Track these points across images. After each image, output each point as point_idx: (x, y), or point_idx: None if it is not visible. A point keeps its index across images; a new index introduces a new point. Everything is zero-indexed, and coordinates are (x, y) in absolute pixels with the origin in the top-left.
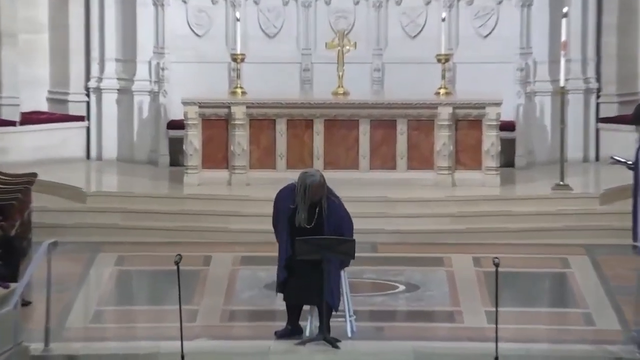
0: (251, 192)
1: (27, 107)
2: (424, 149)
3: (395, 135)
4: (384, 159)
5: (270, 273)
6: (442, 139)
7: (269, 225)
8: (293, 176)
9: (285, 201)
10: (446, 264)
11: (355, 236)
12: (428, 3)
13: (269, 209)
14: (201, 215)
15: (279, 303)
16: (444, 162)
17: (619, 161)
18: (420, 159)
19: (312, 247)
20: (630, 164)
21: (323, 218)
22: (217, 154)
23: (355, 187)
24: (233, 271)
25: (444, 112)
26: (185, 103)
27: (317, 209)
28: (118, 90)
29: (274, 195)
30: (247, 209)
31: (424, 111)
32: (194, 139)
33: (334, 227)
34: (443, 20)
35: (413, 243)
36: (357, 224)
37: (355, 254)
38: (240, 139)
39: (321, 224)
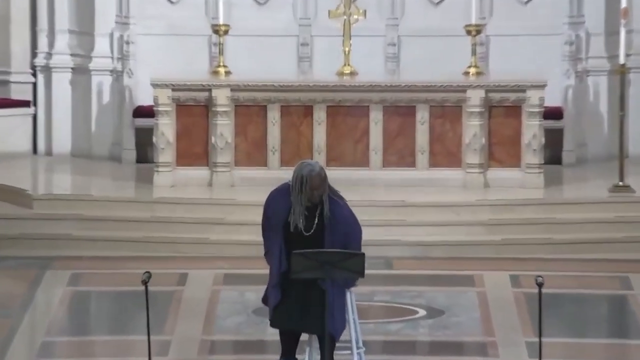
0: (237, 195)
1: None
2: (449, 141)
3: (415, 125)
4: (400, 154)
5: (260, 295)
6: (472, 130)
7: (258, 236)
8: (288, 175)
9: (278, 204)
10: (477, 284)
11: (364, 249)
12: None
13: (259, 216)
14: (175, 224)
15: (271, 332)
16: (475, 157)
17: None
18: (445, 154)
19: (312, 263)
20: None
21: (324, 223)
22: (194, 148)
23: (365, 189)
24: (214, 292)
25: (475, 97)
26: (155, 85)
27: (318, 212)
28: (72, 69)
29: (264, 199)
30: (232, 215)
31: (450, 95)
32: (166, 129)
33: (339, 235)
34: None
35: (436, 258)
36: (368, 234)
37: (365, 271)
38: (224, 129)
39: (322, 231)
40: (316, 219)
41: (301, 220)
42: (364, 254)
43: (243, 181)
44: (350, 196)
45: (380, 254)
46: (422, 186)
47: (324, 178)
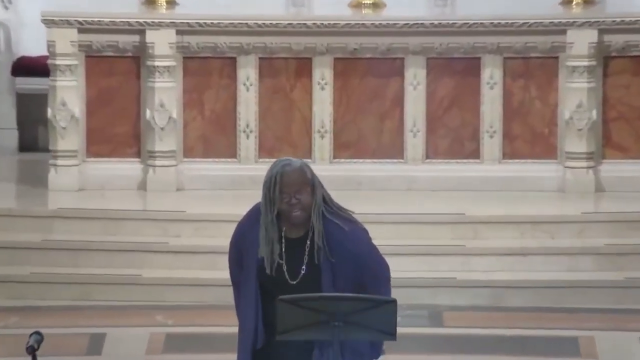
0: (187, 205)
1: None
2: (536, 117)
3: (479, 90)
4: (455, 137)
5: None
6: (576, 97)
7: (221, 272)
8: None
9: (248, 236)
10: (585, 352)
11: (395, 293)
12: None
13: (224, 240)
14: (84, 253)
15: None
16: (580, 143)
17: None
18: (530, 137)
19: (309, 316)
20: None
21: (319, 262)
22: (117, 128)
23: (398, 196)
24: None
25: (580, 41)
26: (49, 22)
27: (307, 245)
28: None
29: (235, 213)
30: (179, 239)
31: (538, 40)
32: (69, 96)
33: (347, 276)
34: None
35: (515, 308)
36: (402, 269)
37: (397, 330)
38: (166, 96)
39: (317, 277)
40: (305, 256)
41: (277, 260)
42: (395, 300)
43: (197, 182)
44: (374, 207)
45: (422, 300)
46: (492, 190)
47: (306, 178)
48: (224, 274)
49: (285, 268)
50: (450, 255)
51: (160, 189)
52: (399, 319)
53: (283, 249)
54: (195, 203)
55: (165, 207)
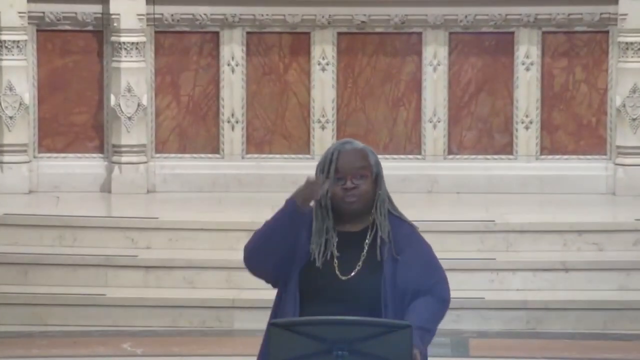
0: (160, 211)
1: None
2: (581, 103)
3: (511, 70)
4: (482, 128)
5: None
6: (630, 79)
7: (200, 291)
8: (265, 172)
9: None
10: None
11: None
12: None
13: (203, 253)
14: (38, 267)
15: None
16: (634, 136)
17: None
18: (574, 128)
19: (305, 343)
20: None
21: (381, 255)
22: (74, 118)
23: (415, 197)
24: None
25: (636, 13)
26: None
27: (368, 240)
28: None
29: (217, 220)
30: (151, 251)
31: (584, 10)
32: (16, 79)
33: (406, 278)
34: None
35: (555, 334)
36: None
37: None
38: (134, 79)
39: (376, 271)
40: (364, 253)
41: (331, 251)
42: (410, 325)
43: (172, 183)
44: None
45: (444, 325)
46: (528, 192)
47: (368, 162)
48: (204, 293)
49: (336, 262)
50: (478, 270)
51: (128, 190)
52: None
53: (336, 240)
54: (170, 208)
55: (133, 213)
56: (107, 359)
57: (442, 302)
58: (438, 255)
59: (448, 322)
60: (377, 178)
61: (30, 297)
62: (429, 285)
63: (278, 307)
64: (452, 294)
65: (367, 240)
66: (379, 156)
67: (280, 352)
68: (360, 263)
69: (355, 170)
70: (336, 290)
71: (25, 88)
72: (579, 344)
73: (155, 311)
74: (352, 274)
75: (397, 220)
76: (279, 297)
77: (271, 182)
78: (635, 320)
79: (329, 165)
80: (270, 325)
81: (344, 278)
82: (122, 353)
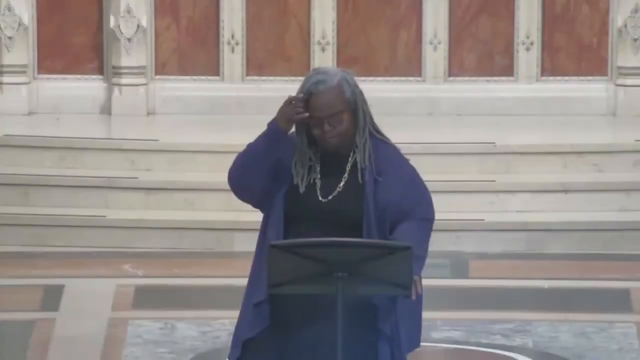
0: (161, 133)
1: None
2: (582, 24)
3: None
4: (483, 50)
5: (209, 328)
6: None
7: (201, 213)
8: (265, 94)
9: (288, 150)
10: (637, 306)
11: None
12: None
13: (204, 175)
14: (38, 188)
15: None
16: (635, 57)
17: None
18: (575, 48)
19: (304, 265)
20: None
21: (363, 177)
22: (74, 39)
23: (415, 120)
24: (116, 324)
25: None
26: None
27: (349, 164)
28: None
29: (217, 142)
30: (151, 173)
31: None
32: None
33: (388, 200)
34: None
35: (554, 255)
36: None
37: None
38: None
39: (357, 194)
40: (345, 175)
41: (311, 177)
42: (410, 247)
43: (172, 105)
44: (387, 133)
45: (444, 247)
46: (528, 114)
47: (343, 101)
48: (204, 215)
49: (318, 185)
50: (479, 192)
51: (128, 112)
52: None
53: (318, 166)
54: (170, 130)
55: (133, 134)
56: (108, 280)
57: (425, 222)
58: (439, 176)
59: (448, 244)
60: (354, 112)
61: (31, 218)
62: (411, 206)
63: (265, 229)
64: (453, 215)
65: (348, 163)
66: (379, 79)
67: (280, 274)
68: (341, 185)
69: (330, 111)
70: (318, 212)
71: (24, 8)
72: (579, 265)
73: (156, 233)
74: (331, 197)
75: (378, 141)
76: (265, 221)
77: (271, 104)
78: (635, 241)
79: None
80: (270, 247)
81: (324, 200)
82: (123, 274)
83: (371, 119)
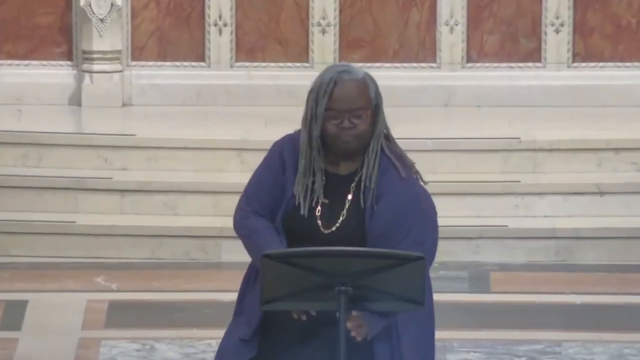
0: (138, 127)
1: None
2: (619, 2)
3: None
4: (506, 32)
5: (192, 349)
6: None
7: (183, 218)
8: (261, 82)
9: (290, 156)
10: None
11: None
12: None
13: (186, 175)
14: (8, 191)
15: None
16: None
17: None
18: (611, 30)
19: (303, 277)
20: None
21: (364, 205)
22: (38, 19)
23: (429, 112)
24: (86, 344)
25: None
26: None
27: (354, 184)
28: None
29: (202, 138)
30: (127, 173)
31: None
32: None
33: (378, 234)
34: None
35: (590, 267)
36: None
37: (429, 298)
38: None
39: (358, 224)
40: (348, 199)
41: (317, 198)
42: (423, 257)
43: (151, 95)
44: (393, 131)
45: (462, 257)
46: (558, 105)
47: (369, 96)
48: (187, 220)
49: (319, 212)
50: (501, 194)
51: (100, 103)
52: (432, 281)
53: (323, 179)
54: (148, 123)
55: (107, 129)
56: (77, 295)
57: (431, 243)
58: (456, 177)
59: (466, 253)
60: (376, 112)
61: None
62: (397, 240)
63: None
64: (471, 221)
65: (353, 184)
66: (387, 65)
67: (274, 288)
68: (344, 212)
69: (353, 105)
70: (319, 244)
71: None
72: (615, 278)
73: (132, 241)
74: (334, 228)
75: (388, 162)
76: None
77: (264, 93)
78: None
79: (323, 99)
80: (263, 257)
81: (326, 232)
82: (95, 288)
83: (387, 130)
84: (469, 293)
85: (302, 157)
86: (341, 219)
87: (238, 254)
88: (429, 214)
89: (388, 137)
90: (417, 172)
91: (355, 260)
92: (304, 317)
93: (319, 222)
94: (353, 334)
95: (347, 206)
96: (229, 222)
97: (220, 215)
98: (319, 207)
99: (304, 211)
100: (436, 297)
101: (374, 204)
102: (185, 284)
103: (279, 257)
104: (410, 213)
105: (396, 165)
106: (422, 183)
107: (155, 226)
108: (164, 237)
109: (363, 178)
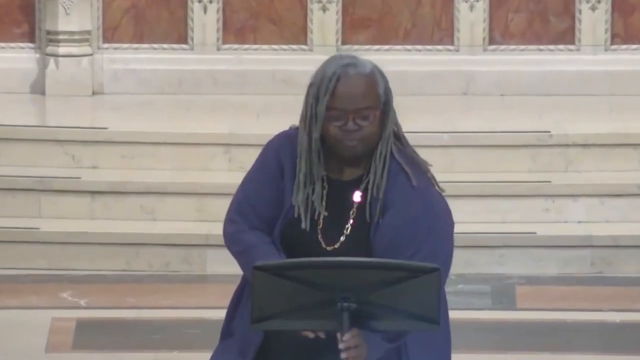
0: (110, 119)
1: None
2: None
3: None
4: (534, 10)
5: None
6: None
7: (162, 224)
8: (244, 66)
9: (285, 150)
10: None
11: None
12: None
13: (164, 174)
14: None
15: None
16: None
17: None
18: None
19: (299, 292)
20: None
21: (371, 218)
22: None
23: (446, 102)
24: None
25: None
26: None
27: (362, 187)
28: None
29: (185, 131)
30: (97, 171)
31: None
32: None
33: (404, 243)
34: None
35: (631, 280)
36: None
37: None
38: None
39: (364, 242)
40: (353, 210)
41: (319, 210)
42: (438, 269)
43: (125, 82)
44: (405, 123)
45: (484, 268)
46: (594, 94)
47: (377, 94)
48: (167, 226)
49: (321, 226)
50: (529, 197)
51: (67, 92)
52: (448, 297)
53: (325, 188)
54: (123, 115)
55: (75, 121)
56: (41, 312)
57: (446, 255)
58: (477, 176)
59: (489, 264)
60: (385, 111)
61: None
62: (429, 245)
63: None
64: (495, 227)
65: (358, 192)
66: (398, 47)
67: (267, 304)
68: (348, 226)
69: (360, 104)
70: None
71: None
72: None
73: (104, 250)
74: (337, 244)
75: (398, 168)
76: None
77: (256, 80)
78: None
79: (324, 96)
80: (255, 269)
81: (328, 249)
82: (61, 304)
83: (402, 133)
84: (492, 310)
85: (301, 162)
86: (345, 234)
87: (226, 265)
88: (444, 228)
89: (399, 137)
90: (432, 178)
91: (360, 273)
92: (322, 335)
93: (320, 237)
94: (344, 356)
95: (351, 219)
96: (214, 229)
97: (205, 221)
98: (320, 220)
99: (305, 225)
100: (453, 314)
101: (381, 217)
102: (164, 300)
103: (273, 269)
104: (422, 227)
105: (407, 171)
106: (437, 189)
107: (130, 233)
108: (141, 246)
109: (370, 187)
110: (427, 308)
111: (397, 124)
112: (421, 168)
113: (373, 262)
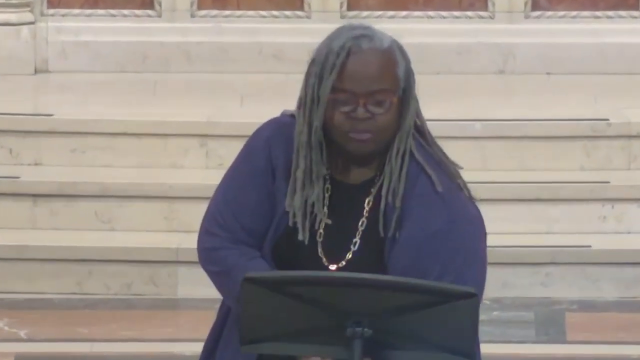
0: (56, 104)
1: None
2: None
3: None
4: None
5: None
6: None
7: (121, 235)
8: (225, 37)
9: (277, 143)
10: None
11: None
12: None
13: (125, 172)
14: None
15: None
16: None
17: None
18: None
19: (300, 312)
20: None
21: (385, 233)
22: None
23: (479, 81)
24: None
25: None
26: None
27: (370, 198)
28: None
29: (150, 119)
30: (42, 169)
31: None
32: None
33: (425, 263)
34: None
35: None
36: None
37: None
38: None
39: (374, 258)
40: (362, 220)
41: (321, 219)
42: (476, 294)
43: (75, 56)
44: (426, 108)
45: (526, 292)
46: None
47: (395, 73)
48: (128, 237)
49: (321, 238)
50: (582, 201)
51: (4, 70)
52: (482, 326)
53: (327, 201)
54: (72, 99)
55: (13, 106)
56: None
57: (478, 273)
58: (519, 176)
59: (532, 286)
60: (404, 97)
61: None
62: (456, 260)
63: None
64: (541, 239)
65: (368, 200)
66: (416, 14)
67: (259, 325)
68: (356, 240)
69: (373, 86)
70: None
71: None
72: None
73: (50, 268)
74: (343, 262)
75: (419, 170)
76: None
77: (239, 56)
78: None
79: (330, 74)
80: (245, 281)
81: (332, 267)
82: None
83: (426, 127)
84: (536, 343)
85: (298, 158)
86: (352, 249)
87: (201, 287)
88: (475, 243)
89: (422, 132)
90: (463, 184)
91: (377, 293)
92: None
93: (321, 252)
94: None
95: (360, 231)
96: (187, 241)
97: (176, 231)
98: (320, 231)
99: (303, 235)
100: (486, 349)
101: (398, 231)
102: (125, 331)
103: (269, 282)
104: (448, 243)
105: (430, 173)
106: (467, 196)
107: (82, 247)
108: (95, 263)
109: (384, 193)
110: (460, 340)
111: (419, 115)
112: (449, 170)
113: (394, 281)
